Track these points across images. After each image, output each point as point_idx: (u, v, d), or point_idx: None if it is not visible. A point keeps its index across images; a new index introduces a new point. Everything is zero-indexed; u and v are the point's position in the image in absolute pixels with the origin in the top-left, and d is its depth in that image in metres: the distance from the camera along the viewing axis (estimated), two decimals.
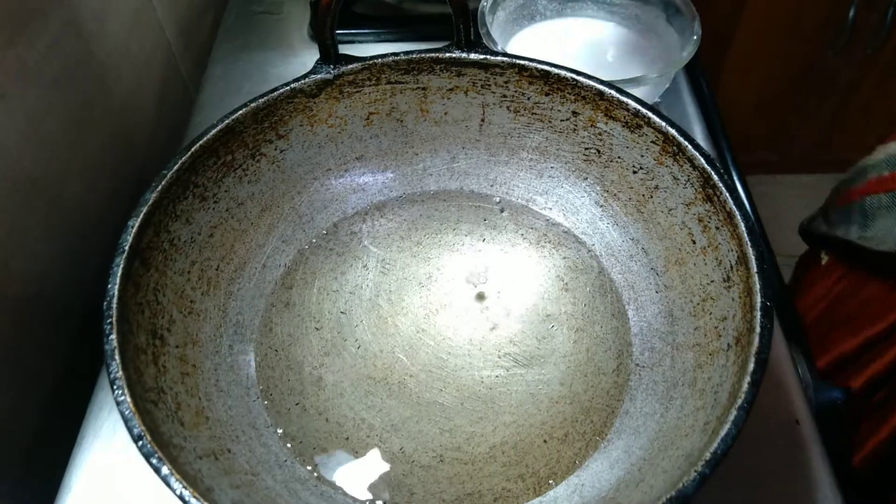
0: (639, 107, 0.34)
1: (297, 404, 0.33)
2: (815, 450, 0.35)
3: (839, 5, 0.98)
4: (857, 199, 0.45)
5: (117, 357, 0.27)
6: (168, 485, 0.24)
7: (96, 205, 0.45)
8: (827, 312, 0.48)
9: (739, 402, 0.25)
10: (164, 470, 0.25)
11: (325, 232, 0.39)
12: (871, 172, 0.44)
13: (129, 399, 0.26)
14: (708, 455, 0.24)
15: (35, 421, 0.40)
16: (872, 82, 1.10)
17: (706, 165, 0.32)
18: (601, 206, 0.38)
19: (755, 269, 0.28)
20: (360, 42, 0.56)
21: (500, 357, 0.35)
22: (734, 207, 0.30)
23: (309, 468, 0.32)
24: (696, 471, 0.23)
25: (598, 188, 0.38)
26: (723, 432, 0.24)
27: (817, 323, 0.49)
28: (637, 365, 0.33)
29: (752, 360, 0.26)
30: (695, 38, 0.43)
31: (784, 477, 0.34)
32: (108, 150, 0.47)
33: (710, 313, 0.31)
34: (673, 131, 0.33)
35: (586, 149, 0.38)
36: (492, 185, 0.40)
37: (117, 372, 0.27)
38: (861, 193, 0.44)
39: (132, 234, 0.31)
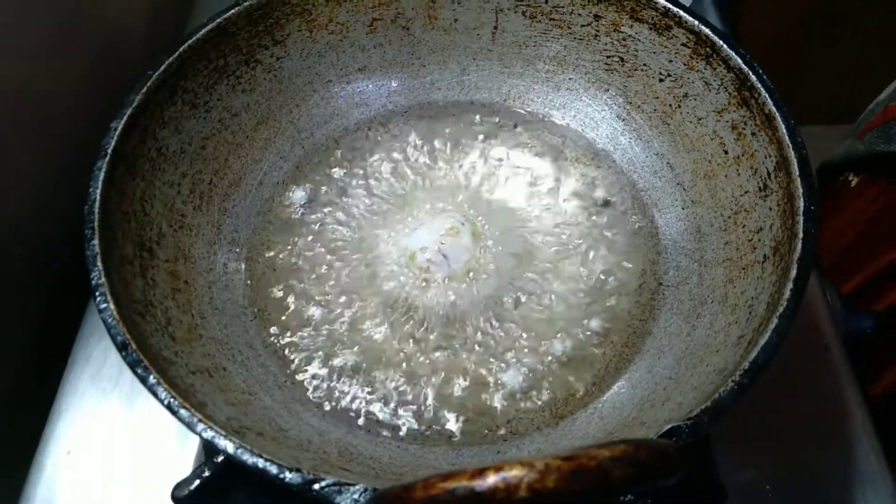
0: (669, 5, 0.31)
1: (295, 324, 0.31)
2: (845, 377, 0.33)
3: None
4: None
5: (99, 264, 0.25)
6: (155, 395, 0.22)
7: (85, 123, 0.42)
8: (866, 232, 0.46)
9: (781, 309, 0.23)
10: (151, 379, 0.23)
11: (325, 148, 0.37)
12: None
13: (112, 306, 0.24)
14: (747, 364, 0.22)
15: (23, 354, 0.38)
16: (893, 35, 1.05)
17: (743, 65, 0.29)
18: (623, 120, 0.35)
19: (797, 174, 0.26)
20: None
21: (512, 276, 0.32)
22: (773, 108, 0.28)
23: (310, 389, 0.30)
24: (733, 381, 0.21)
25: (621, 100, 0.35)
26: (763, 341, 0.22)
27: (857, 243, 0.47)
28: (660, 284, 0.31)
29: (795, 266, 0.24)
30: None
31: (813, 403, 0.32)
32: (97, 66, 0.43)
33: (744, 226, 0.29)
34: (706, 30, 0.30)
35: (608, 57, 0.35)
36: (505, 99, 0.37)
37: (99, 279, 0.25)
38: None
39: (115, 137, 0.28)
